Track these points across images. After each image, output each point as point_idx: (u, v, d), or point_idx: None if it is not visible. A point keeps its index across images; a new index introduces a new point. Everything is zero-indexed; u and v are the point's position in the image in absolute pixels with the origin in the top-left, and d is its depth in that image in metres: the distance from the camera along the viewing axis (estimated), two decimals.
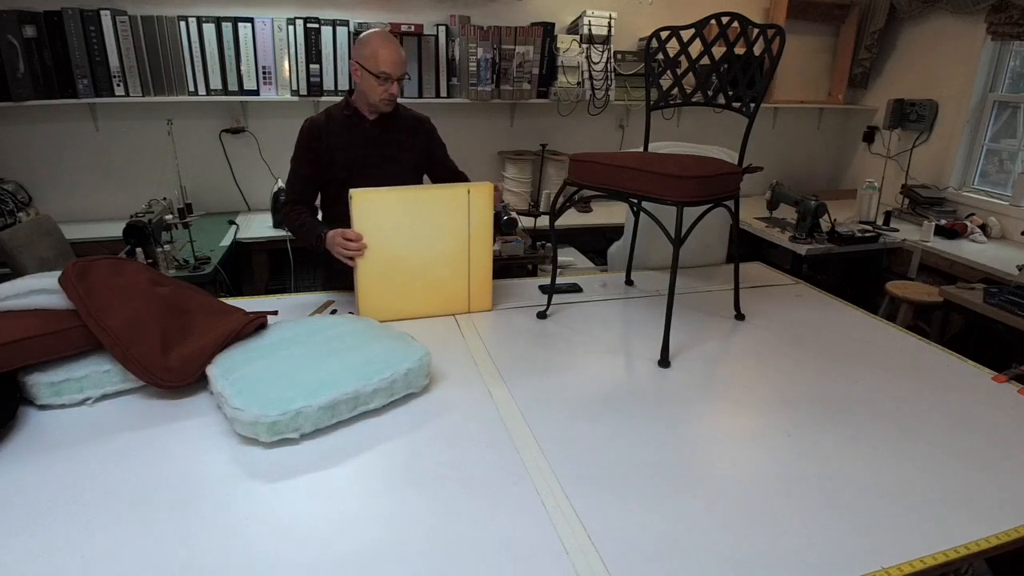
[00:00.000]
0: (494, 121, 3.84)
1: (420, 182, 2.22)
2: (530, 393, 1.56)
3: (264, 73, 3.23)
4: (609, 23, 3.58)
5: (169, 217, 2.58)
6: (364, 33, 1.99)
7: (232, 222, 3.19)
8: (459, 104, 3.57)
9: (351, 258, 1.82)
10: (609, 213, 3.70)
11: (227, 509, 1.13)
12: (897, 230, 3.55)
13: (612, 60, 3.66)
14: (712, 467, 1.31)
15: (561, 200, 1.96)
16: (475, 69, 3.41)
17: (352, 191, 1.77)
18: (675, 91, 2.10)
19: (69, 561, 1.00)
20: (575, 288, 2.26)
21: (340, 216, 1.98)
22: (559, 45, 3.54)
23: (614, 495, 1.20)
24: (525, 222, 3.13)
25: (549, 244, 2.62)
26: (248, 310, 1.71)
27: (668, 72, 2.09)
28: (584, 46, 3.58)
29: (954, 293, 2.75)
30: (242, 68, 3.18)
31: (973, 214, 3.62)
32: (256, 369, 1.42)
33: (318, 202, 2.17)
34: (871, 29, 4.11)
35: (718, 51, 2.03)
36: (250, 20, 3.12)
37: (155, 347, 1.45)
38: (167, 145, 3.25)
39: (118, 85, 3.03)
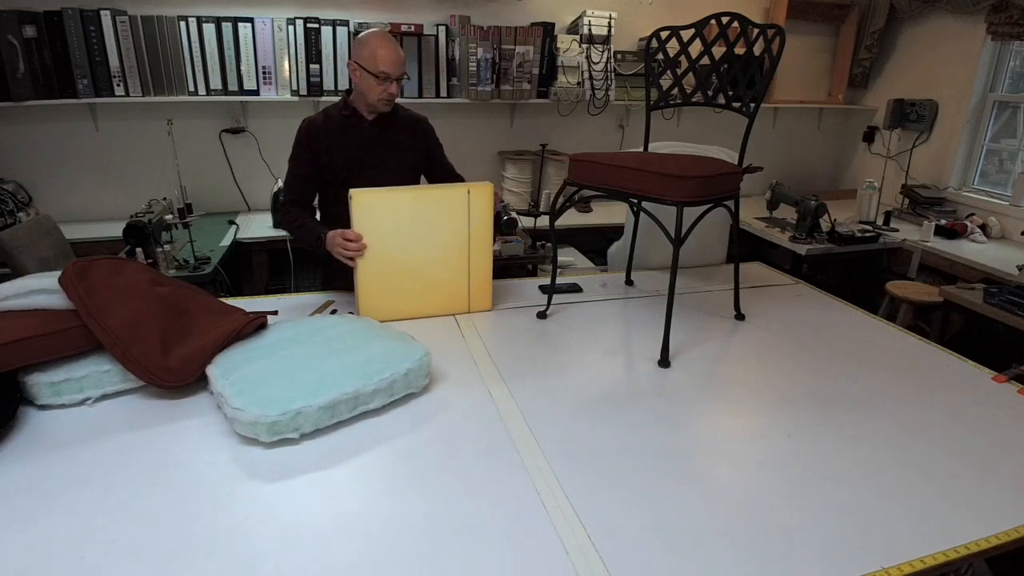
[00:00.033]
0: (494, 121, 3.84)
1: (418, 182, 2.22)
2: (530, 393, 1.56)
3: (264, 73, 3.23)
4: (609, 23, 3.58)
5: (169, 217, 2.58)
6: (362, 33, 1.99)
7: (232, 222, 3.19)
8: (459, 104, 3.57)
9: (351, 258, 1.82)
10: (609, 213, 3.70)
11: (227, 509, 1.13)
12: (897, 230, 3.55)
13: (612, 60, 3.67)
14: (712, 467, 1.31)
15: (561, 200, 1.96)
16: (475, 69, 3.41)
17: (352, 191, 1.77)
18: (675, 91, 2.10)
19: (69, 561, 1.00)
20: (575, 288, 2.26)
21: (339, 216, 1.98)
22: (559, 45, 3.54)
23: (614, 495, 1.20)
24: (525, 222, 3.13)
25: (549, 244, 2.62)
26: (248, 310, 1.71)
27: (668, 72, 2.09)
28: (584, 46, 3.58)
29: (954, 293, 2.75)
30: (242, 68, 3.18)
31: (973, 214, 3.62)
32: (256, 369, 1.42)
33: (316, 202, 2.17)
34: (871, 29, 4.11)
35: (718, 51, 2.03)
36: (250, 20, 3.12)
37: (155, 347, 1.45)
38: (167, 145, 3.25)
39: (118, 85, 3.03)
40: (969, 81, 3.71)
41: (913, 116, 3.97)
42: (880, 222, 3.63)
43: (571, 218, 3.55)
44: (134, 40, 2.99)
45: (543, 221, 2.52)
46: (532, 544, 1.07)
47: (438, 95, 3.49)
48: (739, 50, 2.02)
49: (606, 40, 3.61)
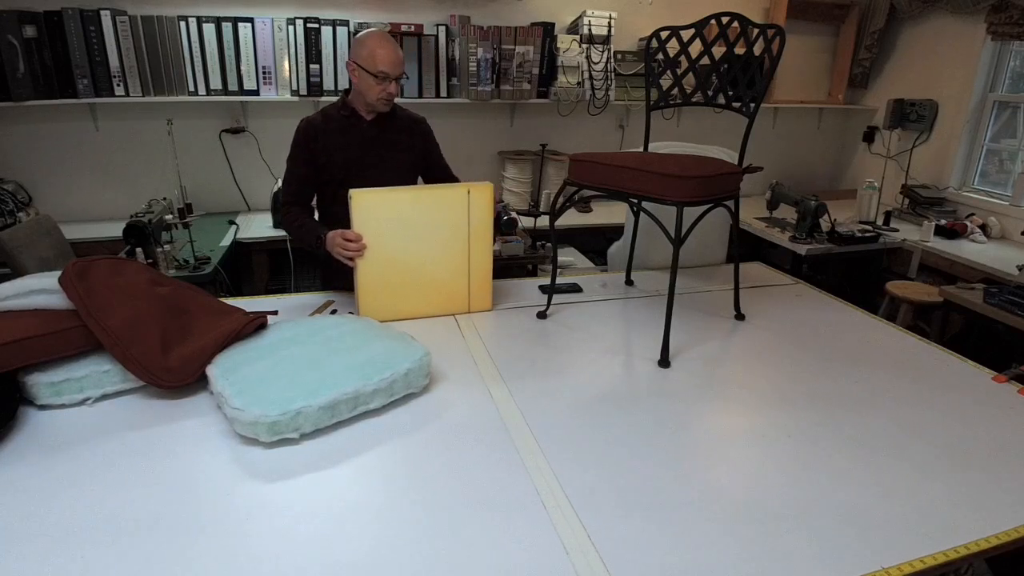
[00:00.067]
0: (494, 121, 3.84)
1: (416, 183, 2.22)
2: (530, 393, 1.56)
3: (264, 73, 3.23)
4: (609, 23, 3.58)
5: (169, 217, 2.58)
6: (361, 33, 1.99)
7: (232, 222, 3.19)
8: (459, 104, 3.57)
9: (351, 259, 1.82)
10: (609, 213, 3.70)
11: (227, 509, 1.13)
12: (897, 230, 3.55)
13: (612, 60, 3.67)
14: (712, 467, 1.31)
15: (561, 200, 1.96)
16: (475, 69, 3.41)
17: (352, 191, 1.77)
18: (675, 91, 2.10)
19: (69, 561, 1.00)
20: (575, 288, 2.26)
21: (337, 216, 1.98)
22: (559, 45, 3.54)
23: (614, 495, 1.20)
24: (525, 222, 3.13)
25: (549, 244, 2.62)
26: (248, 310, 1.71)
27: (668, 72, 2.09)
28: (584, 46, 3.58)
29: (954, 293, 2.75)
30: (242, 68, 3.18)
31: (973, 214, 3.62)
32: (256, 369, 1.42)
33: (314, 202, 2.17)
34: (871, 29, 4.11)
35: (718, 51, 2.03)
36: (250, 20, 3.12)
37: (155, 347, 1.45)
38: (167, 145, 3.25)
39: (118, 85, 3.03)
40: (969, 81, 3.71)
41: (913, 116, 3.97)
42: (880, 222, 3.63)
43: (571, 218, 3.55)
44: (134, 40, 2.99)
45: (543, 221, 2.52)
46: (532, 544, 1.07)
47: (438, 95, 3.49)
48: (739, 50, 2.02)
49: (606, 40, 3.61)
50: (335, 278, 2.07)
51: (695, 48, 2.01)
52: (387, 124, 2.09)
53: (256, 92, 3.25)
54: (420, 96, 3.45)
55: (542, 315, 2.01)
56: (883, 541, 1.11)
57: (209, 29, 3.07)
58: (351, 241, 1.80)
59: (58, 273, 1.48)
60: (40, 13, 2.85)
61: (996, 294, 2.62)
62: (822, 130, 4.54)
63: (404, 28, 3.32)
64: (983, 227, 3.50)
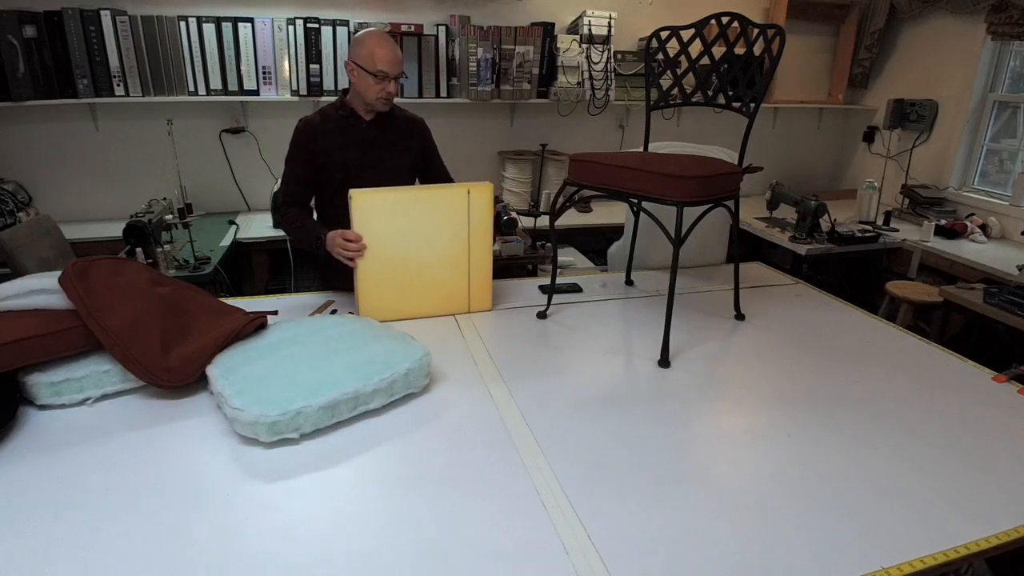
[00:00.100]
0: (494, 121, 3.84)
1: (413, 183, 2.22)
2: (530, 393, 1.56)
3: (264, 73, 3.23)
4: (609, 23, 3.58)
5: (169, 217, 2.58)
6: (360, 32, 1.99)
7: (232, 222, 3.19)
8: (459, 104, 3.58)
9: (351, 259, 1.82)
10: (609, 213, 3.70)
11: (227, 509, 1.13)
12: (897, 230, 3.55)
13: (612, 60, 3.67)
14: (712, 467, 1.31)
15: (561, 200, 1.96)
16: (475, 69, 3.41)
17: (352, 191, 1.77)
18: (675, 91, 2.10)
19: (69, 561, 1.00)
20: (575, 288, 2.26)
21: (336, 217, 1.98)
22: (559, 45, 3.54)
23: (614, 495, 1.20)
24: (525, 222, 3.13)
25: (549, 244, 2.62)
26: (248, 310, 1.71)
27: (668, 72, 2.09)
28: (584, 46, 3.58)
29: (954, 293, 2.75)
30: (242, 68, 3.18)
31: (973, 214, 3.62)
32: (256, 369, 1.42)
33: (313, 203, 2.17)
34: (871, 29, 4.11)
35: (718, 51, 2.03)
36: (250, 20, 3.12)
37: (155, 347, 1.45)
38: (167, 145, 3.25)
39: (118, 85, 3.03)
40: (969, 81, 3.71)
41: (913, 116, 3.97)
42: (880, 222, 3.63)
43: (571, 218, 3.55)
44: (134, 40, 2.99)
45: (543, 221, 2.52)
46: (532, 544, 1.07)
47: (438, 95, 3.49)
48: (739, 50, 2.02)
49: (606, 40, 3.61)
50: (335, 278, 2.06)
51: (695, 48, 2.01)
52: (386, 124, 2.09)
53: (256, 92, 3.25)
54: (420, 96, 3.45)
55: (542, 315, 2.01)
56: (883, 541, 1.11)
57: (209, 29, 3.07)
58: (351, 241, 1.80)
59: (58, 273, 1.48)
60: (40, 13, 2.85)
61: (996, 294, 2.62)
62: (822, 130, 4.54)
63: (404, 28, 3.32)
64: (983, 227, 3.50)
